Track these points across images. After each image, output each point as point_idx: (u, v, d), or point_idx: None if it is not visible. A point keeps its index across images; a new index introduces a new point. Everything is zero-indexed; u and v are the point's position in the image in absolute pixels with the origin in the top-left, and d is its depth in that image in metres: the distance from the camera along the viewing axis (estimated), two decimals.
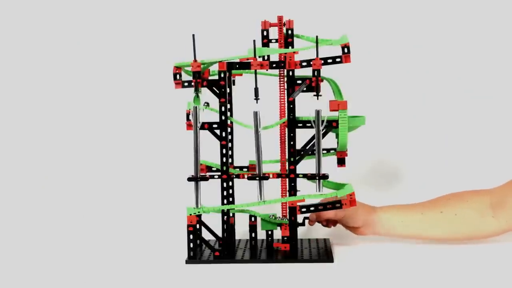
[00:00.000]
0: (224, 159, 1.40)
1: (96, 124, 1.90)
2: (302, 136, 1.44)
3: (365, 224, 1.45)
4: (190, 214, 1.39)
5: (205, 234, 1.48)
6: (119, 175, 1.87)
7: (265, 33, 1.42)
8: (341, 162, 1.42)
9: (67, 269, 1.37)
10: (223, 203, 1.41)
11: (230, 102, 1.47)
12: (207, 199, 1.42)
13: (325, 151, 1.44)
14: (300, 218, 1.43)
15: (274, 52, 1.40)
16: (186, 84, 1.41)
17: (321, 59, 1.36)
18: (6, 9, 1.92)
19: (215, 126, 1.40)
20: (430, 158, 1.83)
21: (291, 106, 1.37)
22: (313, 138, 1.40)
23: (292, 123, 1.38)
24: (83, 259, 1.43)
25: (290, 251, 1.41)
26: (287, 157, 1.40)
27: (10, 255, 1.49)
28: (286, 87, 1.40)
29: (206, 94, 1.42)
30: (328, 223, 1.49)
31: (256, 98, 1.37)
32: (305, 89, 1.38)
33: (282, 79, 1.44)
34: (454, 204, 1.44)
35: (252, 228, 1.45)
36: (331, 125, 1.37)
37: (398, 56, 1.84)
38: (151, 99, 1.88)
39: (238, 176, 1.45)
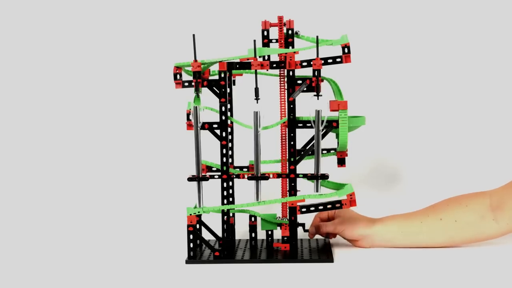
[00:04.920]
0: (224, 159, 1.40)
1: (96, 124, 1.90)
2: (302, 136, 1.44)
3: (364, 237, 1.44)
4: (190, 214, 1.39)
5: (205, 234, 1.48)
6: (120, 175, 1.87)
7: (265, 33, 1.42)
8: (341, 162, 1.42)
9: (67, 269, 1.37)
10: (223, 203, 1.41)
11: (230, 102, 1.47)
12: (207, 199, 1.42)
13: (325, 151, 1.44)
14: (300, 219, 1.43)
15: (275, 52, 1.40)
16: (186, 84, 1.41)
17: (322, 59, 1.36)
18: (6, 9, 1.92)
19: (215, 126, 1.40)
20: (430, 158, 1.83)
21: (291, 106, 1.37)
22: (313, 138, 1.40)
23: (292, 123, 1.38)
24: (83, 259, 1.43)
25: (290, 251, 1.41)
26: (287, 157, 1.40)
27: (10, 255, 1.49)
28: (286, 87, 1.40)
29: (206, 94, 1.42)
30: (328, 235, 1.49)
31: (256, 98, 1.37)
32: (305, 89, 1.38)
33: (283, 79, 1.44)
34: (453, 210, 1.42)
35: (252, 228, 1.45)
36: (331, 125, 1.37)
37: (398, 56, 1.84)
38: (151, 99, 1.88)
39: (238, 176, 1.45)
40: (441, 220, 1.42)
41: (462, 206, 1.42)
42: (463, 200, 1.43)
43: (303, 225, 1.45)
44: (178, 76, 1.40)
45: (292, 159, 1.39)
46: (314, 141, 1.37)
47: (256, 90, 1.37)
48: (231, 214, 1.44)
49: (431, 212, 1.43)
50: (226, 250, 1.40)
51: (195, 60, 1.38)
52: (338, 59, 1.37)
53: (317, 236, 1.54)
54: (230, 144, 1.47)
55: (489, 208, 1.41)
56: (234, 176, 1.45)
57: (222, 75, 1.38)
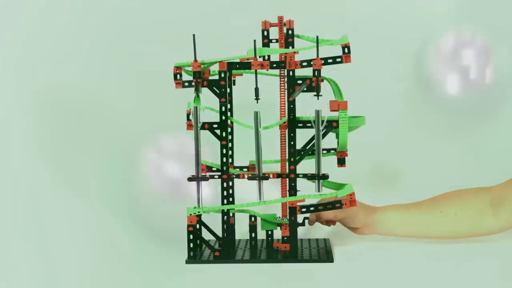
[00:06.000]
0: (224, 159, 1.40)
1: (96, 124, 1.90)
2: (302, 136, 1.44)
3: (365, 225, 1.45)
4: (190, 214, 1.39)
5: (205, 234, 1.48)
6: (119, 175, 1.87)
7: (265, 33, 1.42)
8: (341, 162, 1.42)
9: (67, 269, 1.37)
10: (223, 203, 1.41)
11: (230, 102, 1.47)
12: (207, 199, 1.42)
13: (325, 151, 1.44)
14: (300, 218, 1.43)
15: (275, 52, 1.40)
16: (186, 84, 1.41)
17: (322, 59, 1.36)
18: (6, 9, 1.92)
19: (215, 126, 1.40)
20: (430, 158, 1.83)
21: (291, 106, 1.37)
22: (313, 138, 1.40)
23: (292, 123, 1.38)
24: (83, 259, 1.43)
25: (290, 251, 1.41)
26: (287, 157, 1.40)
27: (10, 256, 1.49)
28: (286, 87, 1.40)
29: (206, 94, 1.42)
30: (328, 222, 1.49)
31: (256, 98, 1.37)
32: (305, 89, 1.38)
33: (283, 79, 1.44)
34: (454, 203, 1.44)
35: (252, 228, 1.45)
36: (331, 125, 1.37)
37: (398, 56, 1.84)
38: (151, 99, 1.88)
39: (238, 176, 1.45)
40: (441, 212, 1.43)
41: (463, 200, 1.44)
42: (464, 194, 1.45)
43: (303, 223, 1.45)
44: (178, 76, 1.40)
45: (292, 159, 1.39)
46: (314, 141, 1.37)
47: (256, 90, 1.37)
48: (231, 214, 1.44)
49: (432, 204, 1.45)
50: (226, 250, 1.40)
51: (195, 60, 1.38)
52: (338, 59, 1.37)
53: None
54: (230, 144, 1.47)
55: (489, 204, 1.42)
56: (234, 176, 1.45)
57: (222, 75, 1.38)
